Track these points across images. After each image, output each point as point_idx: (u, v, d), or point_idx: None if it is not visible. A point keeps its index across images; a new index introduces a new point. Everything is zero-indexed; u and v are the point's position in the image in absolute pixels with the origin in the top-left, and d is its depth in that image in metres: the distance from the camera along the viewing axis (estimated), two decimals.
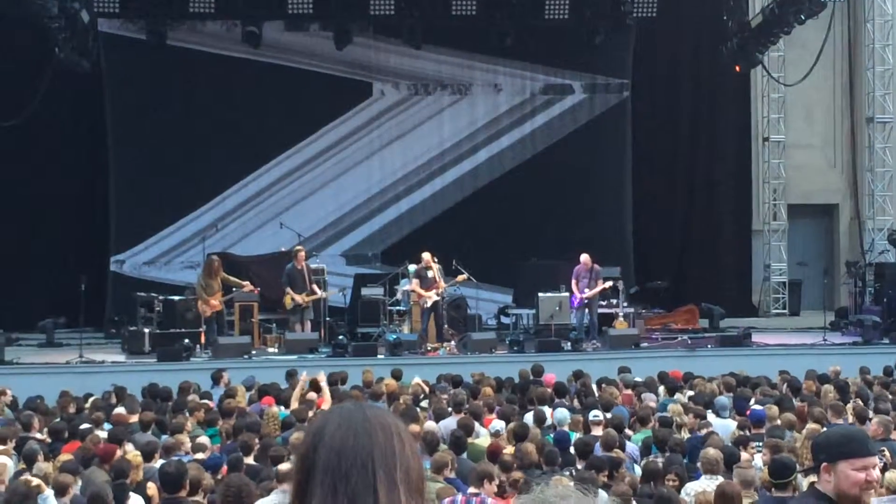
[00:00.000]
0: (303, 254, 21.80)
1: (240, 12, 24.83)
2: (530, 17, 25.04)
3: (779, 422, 12.20)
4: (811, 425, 11.53)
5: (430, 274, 21.32)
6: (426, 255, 21.45)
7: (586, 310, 21.96)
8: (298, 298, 21.32)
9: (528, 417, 12.91)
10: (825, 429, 11.22)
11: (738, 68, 26.21)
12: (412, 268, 22.00)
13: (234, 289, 21.35)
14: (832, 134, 29.12)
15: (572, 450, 11.03)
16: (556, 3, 24.78)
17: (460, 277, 21.75)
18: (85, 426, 12.39)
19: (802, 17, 23.62)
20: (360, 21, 25.27)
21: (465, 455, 11.34)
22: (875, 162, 27.42)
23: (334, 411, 3.26)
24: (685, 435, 12.38)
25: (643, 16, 25.15)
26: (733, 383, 15.63)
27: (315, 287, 21.57)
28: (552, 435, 11.94)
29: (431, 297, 21.28)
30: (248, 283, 21.38)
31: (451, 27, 25.39)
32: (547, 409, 13.36)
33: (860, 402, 13.58)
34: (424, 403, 14.71)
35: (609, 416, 12.63)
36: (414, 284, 21.52)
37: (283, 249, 23.95)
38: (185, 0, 23.99)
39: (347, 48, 25.55)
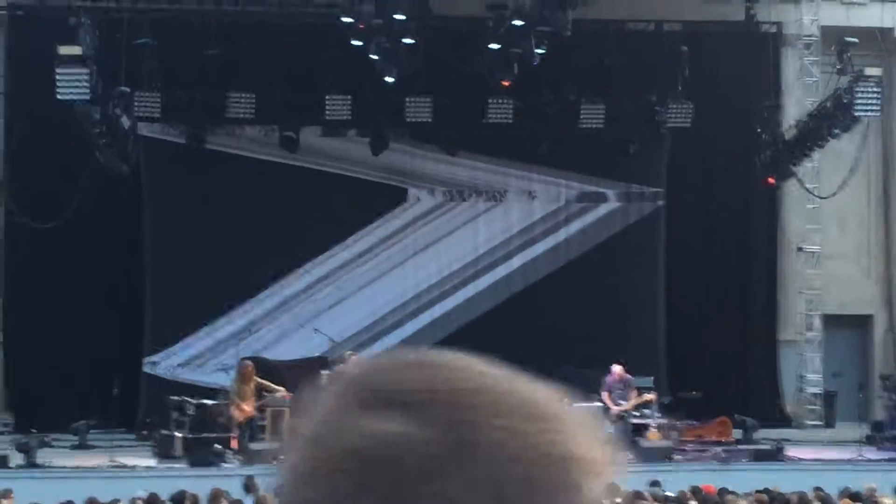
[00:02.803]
0: (354, 359, 21.85)
1: (278, 118, 25.16)
2: (565, 126, 25.25)
3: None
4: None
5: None
6: None
7: (622, 422, 21.80)
8: None
9: None
10: None
11: (771, 181, 26.31)
12: None
13: (266, 393, 21.36)
14: (866, 244, 29.07)
15: None
16: (591, 112, 25.01)
17: None
18: None
19: (837, 132, 23.73)
20: (396, 127, 25.58)
21: None
22: None
23: None
24: None
25: (678, 126, 25.32)
26: (766, 501, 15.47)
27: None
28: None
29: None
30: (282, 388, 21.40)
31: (487, 134, 25.64)
32: None
33: None
34: None
35: None
36: None
37: (316, 354, 24.02)
38: (223, 105, 24.33)
39: (383, 154, 25.84)
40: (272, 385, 21.33)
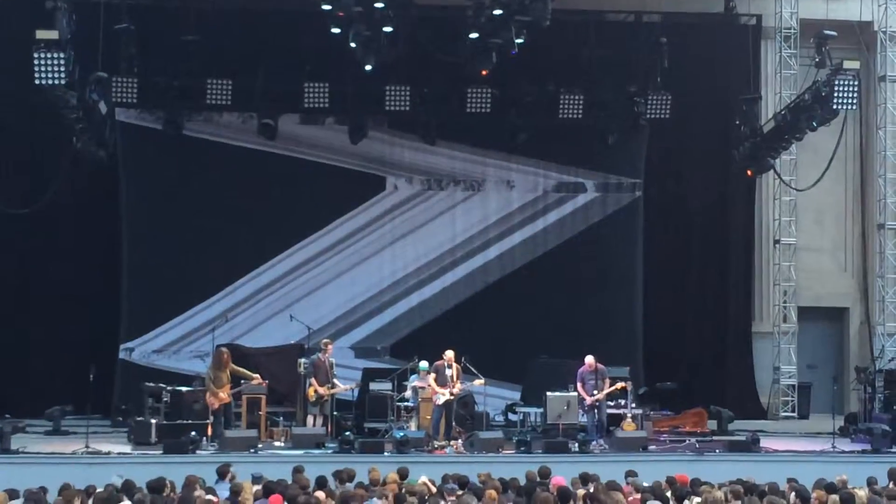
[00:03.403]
0: (331, 347, 21.91)
1: (256, 105, 25.11)
2: (544, 116, 25.30)
3: None
4: None
5: (448, 372, 21.35)
6: (449, 353, 21.49)
7: (595, 412, 21.91)
8: (321, 390, 21.35)
9: None
10: None
11: (749, 173, 26.43)
12: (423, 364, 22.01)
13: (242, 381, 21.36)
14: (843, 238, 29.21)
15: None
16: (570, 102, 25.03)
17: (477, 382, 21.78)
18: None
19: (814, 124, 23.78)
20: (375, 116, 25.56)
21: None
22: (886, 269, 27.44)
23: None
24: None
25: (656, 117, 25.37)
26: (741, 491, 15.49)
27: (336, 381, 21.68)
28: None
29: (445, 394, 21.28)
30: (257, 376, 21.41)
31: (466, 123, 25.65)
32: None
33: None
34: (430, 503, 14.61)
35: None
36: (430, 379, 21.51)
37: (292, 342, 24.02)
38: (202, 91, 24.26)
39: (362, 142, 25.86)
40: (247, 372, 21.35)
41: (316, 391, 21.36)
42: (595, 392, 21.83)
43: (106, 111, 22.94)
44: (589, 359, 21.97)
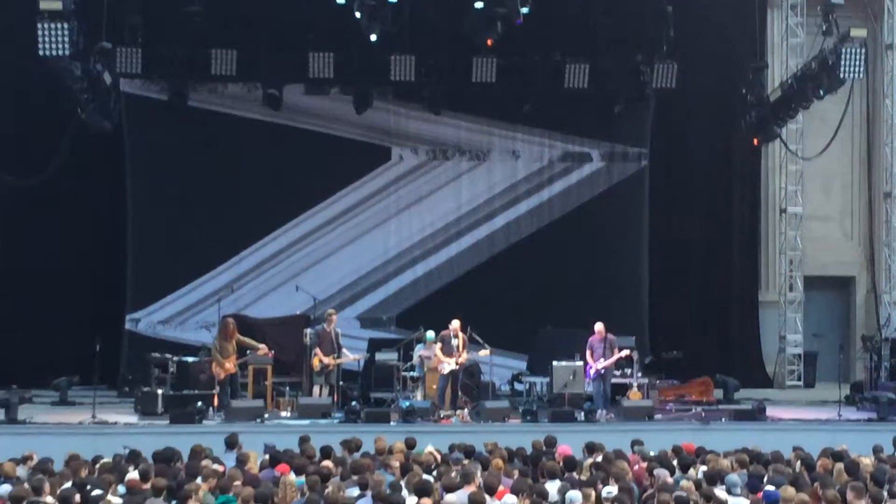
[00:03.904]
0: (335, 317, 21.87)
1: (261, 75, 25.09)
2: (550, 86, 25.22)
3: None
4: None
5: (454, 342, 21.33)
6: (455, 323, 21.46)
7: (601, 380, 21.90)
8: (327, 360, 21.34)
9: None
10: None
11: (755, 141, 26.35)
12: (429, 334, 22.01)
13: (248, 351, 21.37)
14: (849, 207, 29.17)
15: None
16: (575, 72, 24.93)
17: (483, 352, 21.78)
18: (97, 492, 12.33)
19: (821, 93, 23.65)
20: (380, 86, 25.49)
21: None
22: (892, 237, 27.39)
23: None
24: None
25: (662, 87, 25.27)
26: (746, 460, 15.51)
27: (345, 351, 21.68)
28: None
29: (451, 364, 21.28)
30: (263, 346, 21.41)
31: (471, 93, 25.58)
32: (555, 484, 13.21)
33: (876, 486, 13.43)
34: (437, 473, 14.63)
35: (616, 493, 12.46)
36: (436, 348, 21.49)
37: (297, 312, 24.05)
38: (206, 62, 24.19)
39: (367, 112, 25.81)
40: (253, 342, 21.35)
41: (321, 361, 21.36)
42: (602, 361, 21.79)
43: (110, 82, 22.90)
44: (599, 326, 21.93)
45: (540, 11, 22.19)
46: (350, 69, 24.64)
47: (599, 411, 21.41)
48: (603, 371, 21.79)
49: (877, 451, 17.02)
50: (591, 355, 21.83)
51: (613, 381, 22.32)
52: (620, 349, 22.04)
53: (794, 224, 28.26)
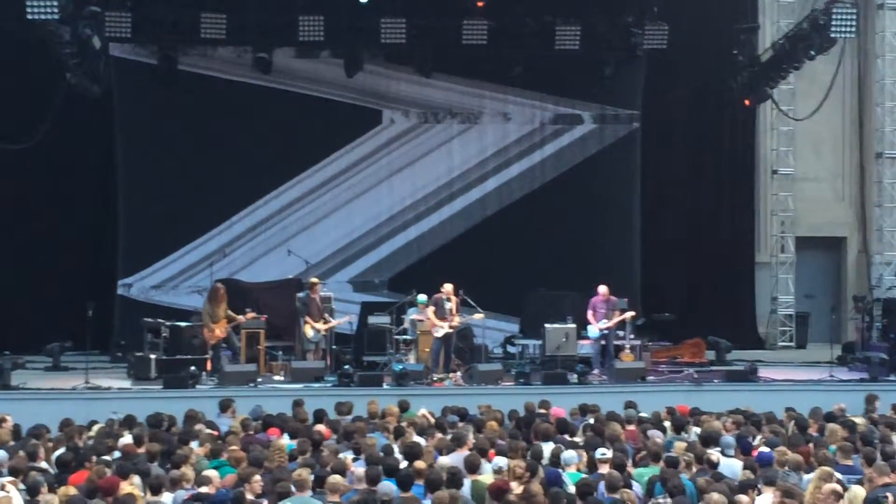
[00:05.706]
0: (319, 286, 21.88)
1: (251, 39, 24.94)
2: (541, 47, 25.13)
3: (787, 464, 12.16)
4: (821, 469, 11.40)
5: (447, 305, 21.32)
6: (448, 286, 21.44)
7: (602, 341, 21.90)
8: (318, 325, 21.36)
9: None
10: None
11: (747, 102, 26.31)
12: (421, 297, 22.00)
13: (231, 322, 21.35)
14: (841, 167, 29.15)
15: (572, 489, 10.98)
16: (566, 33, 24.85)
17: (477, 315, 21.79)
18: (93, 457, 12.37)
19: (813, 53, 23.64)
20: (370, 49, 25.36)
21: (468, 492, 11.32)
22: (884, 197, 27.42)
23: None
24: (694, 469, 12.40)
25: (654, 47, 25.19)
26: (740, 420, 15.58)
27: (328, 316, 21.68)
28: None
29: (444, 327, 21.26)
30: (241, 317, 21.30)
31: (462, 56, 25.49)
32: (549, 446, 13.24)
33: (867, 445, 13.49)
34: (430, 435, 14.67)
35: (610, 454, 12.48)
36: (429, 311, 21.47)
37: (290, 276, 24.04)
38: (196, 26, 24.02)
39: (358, 75, 25.71)
40: (236, 316, 21.26)
41: (312, 327, 21.38)
42: (605, 322, 21.81)
43: (100, 46, 22.76)
44: (602, 288, 21.92)
45: None
46: (340, 32, 24.50)
47: (593, 372, 21.48)
48: (606, 332, 21.80)
49: (869, 400, 17.27)
50: (594, 315, 21.81)
51: (614, 342, 22.33)
52: (623, 312, 22.08)
53: (786, 185, 28.27)
